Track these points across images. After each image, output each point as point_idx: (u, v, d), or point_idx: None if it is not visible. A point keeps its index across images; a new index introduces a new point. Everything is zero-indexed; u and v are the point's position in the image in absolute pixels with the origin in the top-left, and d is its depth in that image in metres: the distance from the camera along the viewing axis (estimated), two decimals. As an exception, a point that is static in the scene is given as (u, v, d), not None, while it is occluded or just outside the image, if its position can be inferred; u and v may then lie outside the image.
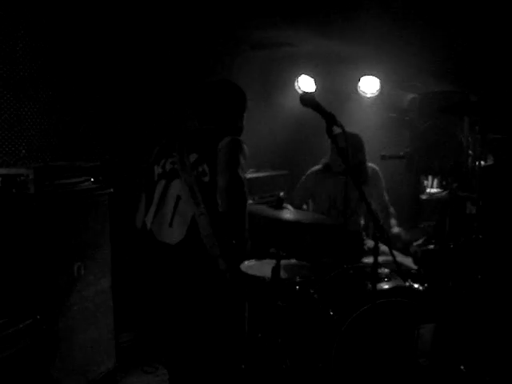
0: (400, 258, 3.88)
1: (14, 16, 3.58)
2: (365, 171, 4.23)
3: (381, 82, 5.30)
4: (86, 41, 4.13)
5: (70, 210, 3.40)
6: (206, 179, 2.70)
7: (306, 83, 5.70)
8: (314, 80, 5.67)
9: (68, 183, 3.41)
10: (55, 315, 3.27)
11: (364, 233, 4.38)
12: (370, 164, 4.30)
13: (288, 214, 3.36)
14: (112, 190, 3.75)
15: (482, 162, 4.00)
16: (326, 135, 2.50)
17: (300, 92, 5.64)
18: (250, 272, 3.60)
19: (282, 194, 4.15)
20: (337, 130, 2.49)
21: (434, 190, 4.58)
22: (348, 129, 2.59)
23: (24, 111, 3.69)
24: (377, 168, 4.34)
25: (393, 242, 3.95)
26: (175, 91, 4.94)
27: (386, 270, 3.52)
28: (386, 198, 4.35)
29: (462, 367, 3.32)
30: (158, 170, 2.93)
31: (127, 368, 4.09)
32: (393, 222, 4.24)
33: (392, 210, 4.31)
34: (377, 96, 5.41)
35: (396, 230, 4.13)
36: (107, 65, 4.33)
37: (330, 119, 2.48)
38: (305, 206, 4.51)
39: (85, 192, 3.54)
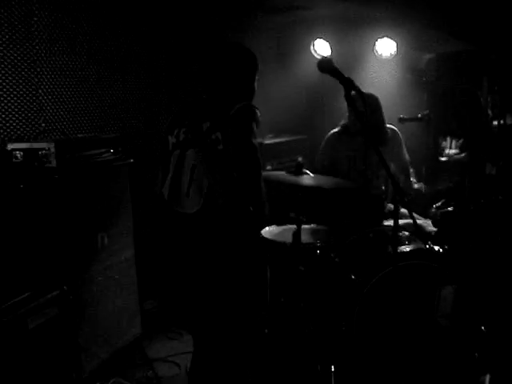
0: (420, 220, 3.87)
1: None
2: (383, 132, 4.20)
3: (397, 44, 5.22)
4: (103, 12, 4.11)
5: (92, 181, 3.44)
6: (220, 147, 2.70)
7: (321, 47, 5.62)
8: (330, 44, 5.59)
9: (89, 155, 3.44)
10: (81, 285, 3.34)
11: (384, 196, 4.36)
12: (388, 125, 4.27)
13: (307, 179, 3.35)
14: (132, 160, 3.78)
15: (502, 122, 3.95)
16: (344, 99, 2.50)
17: (316, 56, 5.58)
18: (271, 237, 3.62)
19: (300, 158, 4.14)
20: (354, 94, 2.48)
21: (452, 152, 4.55)
22: (365, 91, 2.58)
23: (42, 84, 3.71)
24: (396, 129, 4.31)
25: (415, 197, 3.94)
26: (188, 59, 4.92)
27: (407, 233, 3.53)
28: (407, 158, 4.33)
29: (482, 328, 3.33)
30: (171, 139, 2.92)
31: (152, 334, 4.16)
32: (413, 180, 4.22)
33: (412, 170, 4.29)
34: (393, 58, 5.33)
35: (416, 185, 4.11)
36: (121, 32, 4.32)
37: (348, 84, 2.46)
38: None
39: (105, 163, 3.57)
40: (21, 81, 3.56)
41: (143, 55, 4.52)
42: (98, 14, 4.10)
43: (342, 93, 2.50)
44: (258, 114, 2.76)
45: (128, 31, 4.37)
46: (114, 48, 4.27)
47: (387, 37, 5.23)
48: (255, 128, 2.74)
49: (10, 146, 3.22)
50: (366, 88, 4.15)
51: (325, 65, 2.51)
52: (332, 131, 4.40)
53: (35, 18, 3.63)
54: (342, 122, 4.35)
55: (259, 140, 5.18)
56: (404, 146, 4.33)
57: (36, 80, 3.66)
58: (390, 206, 4.02)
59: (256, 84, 3.03)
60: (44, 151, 3.13)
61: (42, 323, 2.88)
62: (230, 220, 2.76)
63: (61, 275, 3.15)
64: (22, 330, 2.75)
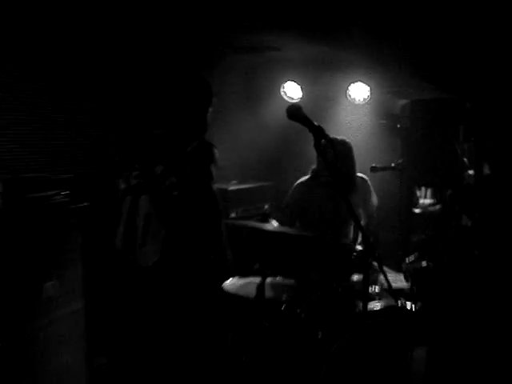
0: (391, 275, 3.86)
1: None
2: (353, 180, 4.24)
3: (371, 88, 5.31)
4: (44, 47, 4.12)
5: (41, 225, 3.35)
6: (176, 193, 2.67)
7: (292, 90, 5.70)
8: (301, 86, 5.67)
9: (39, 197, 3.37)
10: (22, 341, 3.21)
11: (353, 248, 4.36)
12: (359, 174, 4.31)
13: (273, 229, 3.34)
14: (86, 203, 3.70)
15: (478, 172, 3.99)
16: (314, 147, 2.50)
17: (286, 99, 5.64)
18: (233, 291, 3.59)
19: (266, 207, 4.13)
20: (325, 142, 2.49)
21: (427, 202, 4.58)
22: (338, 136, 2.60)
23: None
24: (366, 177, 4.36)
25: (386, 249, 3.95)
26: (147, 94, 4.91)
27: (377, 289, 3.51)
28: (374, 206, 4.38)
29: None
30: (121, 184, 2.88)
31: (101, 394, 4.03)
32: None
33: (375, 216, 4.35)
34: (367, 102, 5.42)
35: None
36: (75, 71, 4.32)
37: (319, 133, 2.48)
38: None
39: (57, 206, 3.49)
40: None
41: (97, 91, 4.52)
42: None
43: (312, 138, 2.50)
44: (216, 153, 2.74)
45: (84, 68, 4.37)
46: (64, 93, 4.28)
47: (360, 81, 5.33)
48: (214, 170, 2.72)
49: (-46, 186, 3.14)
50: (339, 133, 4.23)
51: (294, 112, 2.51)
52: (300, 180, 4.42)
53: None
54: (312, 166, 4.37)
55: (223, 186, 5.22)
56: (373, 193, 4.38)
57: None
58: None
59: (209, 117, 3.01)
60: (-10, 191, 3.06)
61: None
62: (190, 272, 2.71)
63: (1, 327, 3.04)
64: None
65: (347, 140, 4.23)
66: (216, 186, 4.56)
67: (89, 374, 3.81)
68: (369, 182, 4.36)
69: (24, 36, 3.90)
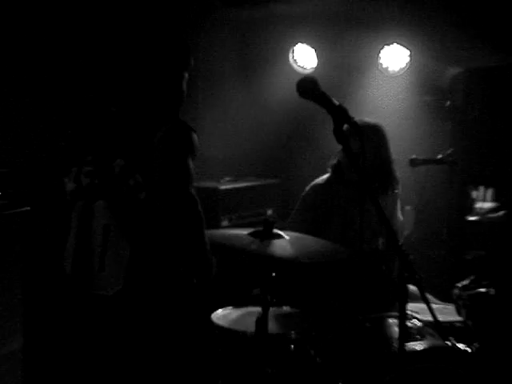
0: (438, 305, 3.85)
1: None
2: (392, 174, 4.23)
3: (411, 53, 5.29)
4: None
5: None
6: (142, 195, 2.64)
7: (304, 56, 5.69)
8: (316, 51, 5.65)
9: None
10: None
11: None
12: None
13: (279, 245, 3.28)
14: (28, 208, 3.73)
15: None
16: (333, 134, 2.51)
17: (296, 68, 5.63)
18: (226, 324, 3.57)
19: (270, 212, 4.13)
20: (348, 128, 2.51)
21: (486, 206, 4.57)
22: (365, 120, 2.59)
23: None
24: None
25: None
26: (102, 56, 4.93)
27: (419, 324, 3.49)
28: (401, 218, 4.38)
29: None
30: (69, 184, 2.84)
31: None
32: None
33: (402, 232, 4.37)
34: (405, 73, 5.40)
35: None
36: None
37: (340, 115, 2.48)
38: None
39: (-13, 211, 3.52)
40: None
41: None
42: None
43: (332, 122, 2.51)
44: (196, 139, 2.71)
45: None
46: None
47: (397, 43, 5.31)
48: (192, 167, 2.68)
49: None
50: (367, 114, 4.21)
51: (307, 87, 2.51)
52: (317, 181, 4.40)
53: None
54: (332, 161, 4.35)
55: (212, 185, 5.22)
56: (399, 202, 4.40)
57: None
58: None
59: (185, 84, 2.97)
60: None
61: None
62: (165, 303, 2.70)
63: None
64: None
65: (379, 124, 4.21)
66: (200, 186, 4.59)
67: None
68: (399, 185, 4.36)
69: None
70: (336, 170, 4.34)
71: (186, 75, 2.96)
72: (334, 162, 4.35)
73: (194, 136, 2.71)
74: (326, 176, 4.39)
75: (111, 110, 2.88)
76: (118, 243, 2.65)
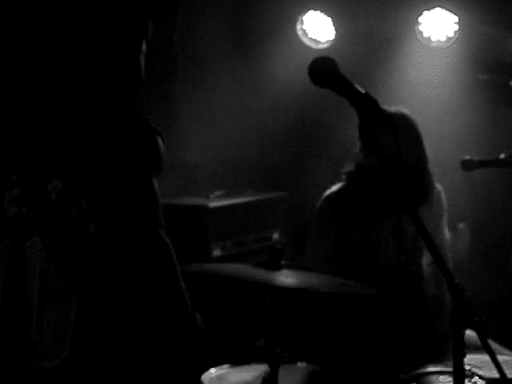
0: (505, 356, 3.84)
1: None
2: (426, 179, 4.26)
3: (459, 19, 5.31)
4: None
5: None
6: (90, 230, 2.56)
7: (316, 26, 5.71)
8: (333, 20, 5.68)
9: None
10: None
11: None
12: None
13: (290, 276, 3.32)
14: None
15: None
16: (358, 129, 2.55)
17: (306, 42, 5.65)
18: None
19: (276, 236, 4.14)
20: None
21: None
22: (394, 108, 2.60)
23: None
24: (440, 188, 4.36)
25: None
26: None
27: (481, 382, 3.48)
28: (447, 238, 4.39)
29: None
30: None
31: None
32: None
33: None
34: (453, 44, 5.41)
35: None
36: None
37: (368, 107, 2.46)
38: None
39: None
40: None
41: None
42: None
43: (355, 115, 2.48)
44: (161, 147, 2.62)
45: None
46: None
47: (441, 7, 5.35)
48: (157, 187, 2.59)
49: None
50: (400, 101, 4.23)
51: (322, 70, 2.47)
52: (331, 190, 4.44)
53: None
54: (349, 167, 4.38)
55: (199, 202, 5.22)
56: (445, 218, 4.43)
57: None
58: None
59: (143, 61, 2.80)
60: None
61: None
62: (125, 374, 2.66)
63: None
64: None
65: (406, 113, 4.22)
66: (184, 203, 4.59)
67: None
68: (443, 195, 4.37)
69: None
70: (356, 177, 4.35)
71: (144, 47, 2.75)
72: (350, 168, 4.38)
73: (159, 142, 2.51)
74: (339, 185, 4.42)
75: (41, 108, 2.74)
76: (61, 295, 2.58)
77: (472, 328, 2.91)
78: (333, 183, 4.47)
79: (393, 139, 2.48)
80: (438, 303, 4.18)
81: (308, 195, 4.63)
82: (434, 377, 3.61)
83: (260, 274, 3.30)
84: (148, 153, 2.50)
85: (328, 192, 4.42)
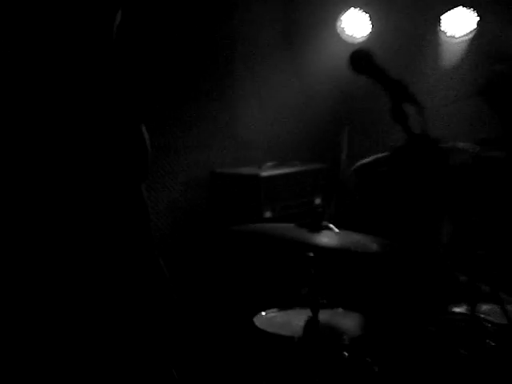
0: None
1: None
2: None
3: (480, 17, 5.16)
4: None
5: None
6: None
7: (355, 23, 5.62)
8: (370, 17, 5.56)
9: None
10: None
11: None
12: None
13: (331, 238, 3.29)
14: None
15: None
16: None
17: (345, 38, 5.57)
18: (270, 329, 3.57)
19: (318, 201, 4.07)
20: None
21: None
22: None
23: None
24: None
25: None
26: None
27: (491, 328, 3.37)
28: None
29: None
30: None
31: None
32: None
33: None
34: (473, 39, 5.27)
35: None
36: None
37: (400, 93, 2.45)
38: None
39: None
40: None
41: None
42: None
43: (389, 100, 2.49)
44: (147, 138, 2.37)
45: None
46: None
47: (463, 5, 5.23)
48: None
49: None
50: (429, 92, 4.09)
51: (361, 60, 2.54)
52: (359, 163, 4.35)
53: None
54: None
55: (252, 172, 5.18)
56: None
57: None
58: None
59: (115, 30, 2.40)
60: None
61: None
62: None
63: None
64: None
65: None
66: (239, 172, 4.52)
67: None
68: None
69: None
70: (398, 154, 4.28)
71: (118, 19, 2.33)
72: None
73: (144, 134, 2.21)
74: (371, 157, 4.34)
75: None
76: None
77: (486, 282, 2.86)
78: (363, 157, 4.37)
79: (422, 120, 2.42)
80: None
81: (348, 167, 4.55)
82: (452, 322, 3.52)
83: (302, 234, 3.25)
84: (134, 157, 2.28)
85: (358, 163, 4.35)
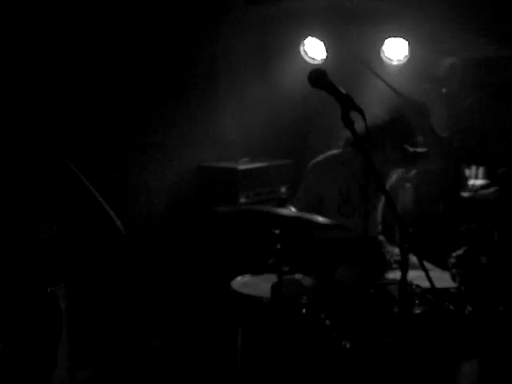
0: (435, 272, 3.83)
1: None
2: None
3: (410, 45, 5.22)
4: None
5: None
6: None
7: (314, 48, 5.61)
8: (325, 44, 5.59)
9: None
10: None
11: (383, 238, 4.37)
12: None
13: (288, 211, 3.45)
14: None
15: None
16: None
17: (307, 59, 5.59)
18: (244, 290, 3.63)
19: (283, 189, 4.12)
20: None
21: (478, 183, 4.53)
22: (368, 107, 2.62)
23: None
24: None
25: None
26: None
27: (418, 290, 3.47)
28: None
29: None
30: None
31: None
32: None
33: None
34: (406, 62, 5.32)
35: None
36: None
37: (347, 103, 2.49)
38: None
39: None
40: None
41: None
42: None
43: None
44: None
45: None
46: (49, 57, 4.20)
47: (398, 36, 5.24)
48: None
49: None
50: (371, 100, 4.18)
51: (317, 78, 2.56)
52: (317, 158, 4.47)
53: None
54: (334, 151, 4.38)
55: (232, 165, 5.27)
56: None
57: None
58: (394, 250, 4.09)
59: None
60: None
61: None
62: None
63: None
64: None
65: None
66: (220, 166, 4.62)
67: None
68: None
69: None
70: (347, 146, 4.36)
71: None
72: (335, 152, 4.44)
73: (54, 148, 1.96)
74: (324, 155, 4.47)
75: None
76: None
77: (414, 253, 2.92)
78: (321, 153, 4.50)
79: (363, 122, 2.53)
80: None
81: (306, 161, 4.61)
82: (386, 285, 3.61)
83: (270, 208, 3.39)
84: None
85: (315, 159, 4.44)
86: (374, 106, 4.21)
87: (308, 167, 4.45)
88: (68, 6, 4.29)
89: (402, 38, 5.23)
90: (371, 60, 5.45)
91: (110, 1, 4.49)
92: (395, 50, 5.30)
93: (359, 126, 2.51)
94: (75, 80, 4.40)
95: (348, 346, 3.28)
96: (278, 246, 3.37)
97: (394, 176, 4.32)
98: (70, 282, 2.43)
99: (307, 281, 3.81)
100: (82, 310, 4.09)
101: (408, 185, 4.48)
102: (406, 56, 5.27)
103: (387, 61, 5.35)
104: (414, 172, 4.45)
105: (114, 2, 4.50)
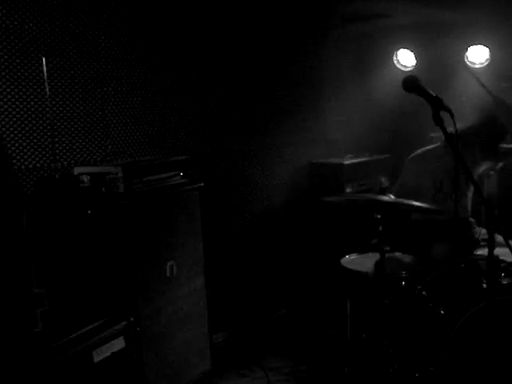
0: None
1: (96, 10, 3.70)
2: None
3: (491, 51, 5.11)
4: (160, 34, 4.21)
5: (161, 207, 3.47)
6: None
7: (405, 58, 5.62)
8: (414, 53, 5.56)
9: (157, 179, 3.46)
10: (148, 317, 3.36)
11: (472, 220, 4.29)
12: None
13: (389, 198, 3.42)
14: (203, 184, 3.77)
15: None
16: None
17: (399, 67, 5.57)
18: (352, 267, 3.66)
19: (383, 179, 4.13)
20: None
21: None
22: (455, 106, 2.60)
23: (108, 105, 3.82)
24: None
25: None
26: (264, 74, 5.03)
27: (503, 264, 3.41)
28: None
29: None
30: None
31: (222, 370, 4.17)
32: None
33: None
34: (487, 66, 5.23)
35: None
36: (189, 51, 4.42)
37: (437, 104, 2.49)
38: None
39: (175, 187, 3.59)
40: (87, 101, 3.68)
41: (214, 74, 4.64)
42: (165, 35, 4.22)
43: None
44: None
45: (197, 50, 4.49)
46: (181, 68, 4.37)
47: (480, 43, 5.19)
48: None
49: (76, 170, 3.29)
50: (456, 101, 4.13)
51: (410, 84, 2.58)
52: (412, 155, 4.40)
53: (102, 37, 3.76)
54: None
55: (338, 161, 5.30)
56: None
57: (102, 101, 3.77)
58: (482, 230, 3.99)
59: None
60: (111, 175, 3.16)
61: (108, 357, 2.91)
62: None
63: (128, 306, 3.18)
64: (87, 363, 2.78)
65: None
66: (328, 162, 4.65)
67: (210, 351, 3.93)
68: None
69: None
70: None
71: None
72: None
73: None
74: (419, 151, 4.38)
75: None
76: None
77: (499, 233, 2.88)
78: (415, 149, 4.44)
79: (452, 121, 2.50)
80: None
81: (402, 156, 4.58)
82: (476, 261, 3.56)
83: (372, 196, 3.40)
84: None
85: (413, 153, 4.41)
86: (464, 106, 4.10)
87: (407, 160, 4.41)
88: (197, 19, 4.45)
89: (483, 45, 5.13)
90: (455, 64, 5.39)
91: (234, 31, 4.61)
92: (477, 55, 5.23)
93: (461, 125, 2.55)
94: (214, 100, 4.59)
95: (443, 312, 3.25)
96: (380, 229, 3.38)
97: (483, 167, 4.23)
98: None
99: (406, 258, 3.83)
100: (219, 285, 4.23)
101: (492, 172, 4.37)
102: (487, 59, 5.17)
103: (470, 65, 5.26)
104: (500, 164, 4.32)
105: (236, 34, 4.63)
